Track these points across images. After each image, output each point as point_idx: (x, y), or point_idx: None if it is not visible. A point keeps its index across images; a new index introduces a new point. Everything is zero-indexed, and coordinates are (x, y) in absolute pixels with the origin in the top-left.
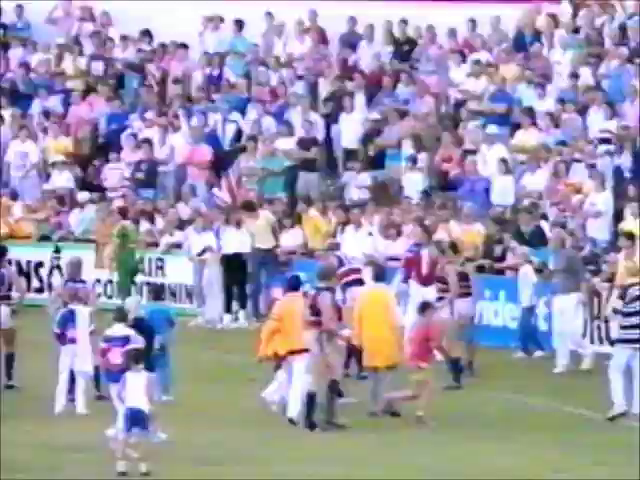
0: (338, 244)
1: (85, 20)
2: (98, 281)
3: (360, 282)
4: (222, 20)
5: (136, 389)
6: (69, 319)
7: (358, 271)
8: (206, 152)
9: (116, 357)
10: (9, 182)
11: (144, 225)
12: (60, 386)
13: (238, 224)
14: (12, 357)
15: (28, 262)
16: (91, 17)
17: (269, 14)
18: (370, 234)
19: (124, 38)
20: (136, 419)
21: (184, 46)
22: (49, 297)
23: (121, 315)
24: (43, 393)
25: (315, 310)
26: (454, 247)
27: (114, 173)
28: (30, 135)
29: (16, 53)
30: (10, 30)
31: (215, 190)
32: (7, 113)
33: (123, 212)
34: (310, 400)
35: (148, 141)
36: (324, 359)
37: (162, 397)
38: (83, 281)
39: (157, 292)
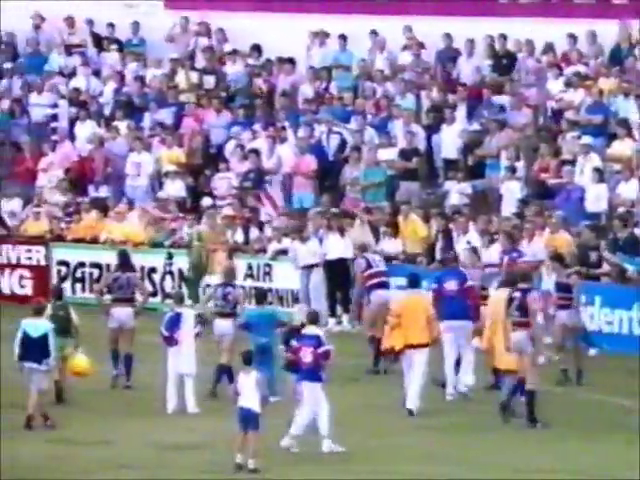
0: (367, 246)
1: (201, 35)
2: (208, 286)
3: (385, 285)
4: (327, 35)
5: (247, 389)
6: (176, 321)
7: (384, 274)
8: (311, 162)
9: (306, 356)
10: (125, 191)
11: (253, 232)
12: (170, 386)
13: (341, 231)
14: (131, 358)
15: (142, 268)
16: (207, 33)
17: (374, 32)
18: (468, 242)
19: (234, 53)
20: (248, 419)
21: (291, 61)
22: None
23: (314, 317)
24: (157, 393)
25: (524, 310)
26: (559, 258)
27: (223, 182)
28: (144, 146)
29: (131, 68)
30: (126, 46)
31: (262, 209)
32: (123, 125)
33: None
34: (531, 397)
35: (256, 151)
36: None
37: (270, 398)
38: (233, 285)
39: (260, 296)
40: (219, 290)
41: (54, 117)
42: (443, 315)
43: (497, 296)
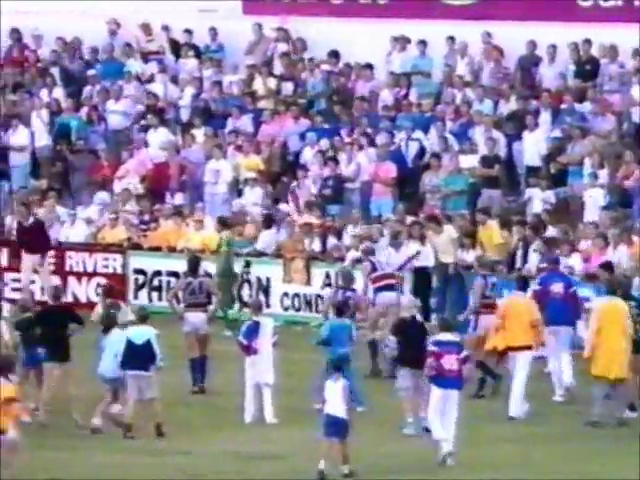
0: (372, 249)
1: (279, 41)
2: (286, 295)
3: (392, 287)
4: (408, 41)
5: (335, 397)
6: (254, 330)
7: (391, 277)
8: (391, 169)
9: (451, 363)
10: (203, 198)
11: (331, 240)
12: (248, 396)
13: (422, 238)
14: (205, 360)
15: None
16: (285, 38)
17: (451, 38)
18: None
19: (311, 60)
20: (334, 426)
21: (370, 67)
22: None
23: (447, 324)
24: (234, 403)
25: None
26: None
27: (301, 189)
28: (223, 154)
29: (208, 74)
30: (204, 52)
31: (281, 205)
32: (200, 132)
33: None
34: None
35: (335, 158)
36: None
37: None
38: (353, 290)
39: (340, 308)
40: (339, 294)
41: (131, 124)
42: (548, 319)
43: (607, 304)
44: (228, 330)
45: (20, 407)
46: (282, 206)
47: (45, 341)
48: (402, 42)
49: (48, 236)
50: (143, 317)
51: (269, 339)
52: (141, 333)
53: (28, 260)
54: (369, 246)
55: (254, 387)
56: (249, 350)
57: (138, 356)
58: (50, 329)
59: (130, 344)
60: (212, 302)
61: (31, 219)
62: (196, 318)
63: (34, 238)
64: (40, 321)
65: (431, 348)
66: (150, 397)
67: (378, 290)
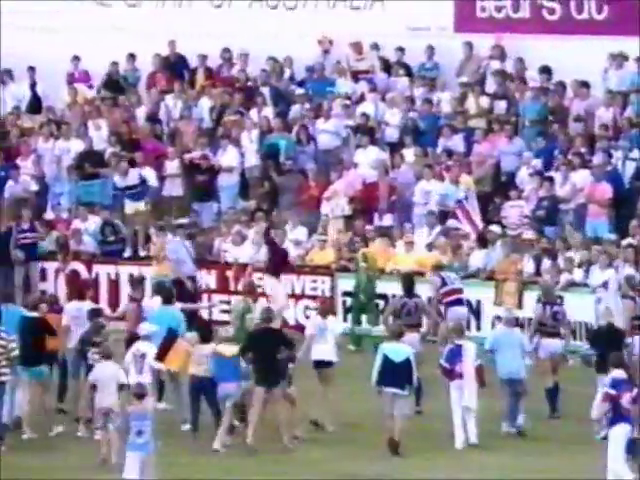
0: (442, 266)
1: (493, 59)
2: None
3: (460, 302)
4: (626, 58)
5: None
6: (457, 354)
7: (460, 291)
8: (607, 190)
9: (629, 401)
10: (412, 219)
11: (546, 262)
12: (456, 421)
13: (637, 263)
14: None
15: (429, 298)
16: (500, 57)
17: None
18: None
19: (522, 77)
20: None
21: (586, 84)
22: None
23: (620, 360)
24: (440, 426)
25: None
26: None
27: (514, 211)
28: (434, 174)
29: (420, 93)
30: (418, 70)
31: (450, 221)
32: (410, 152)
33: None
34: None
35: (550, 179)
36: None
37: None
38: (559, 304)
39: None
40: (547, 309)
41: (341, 144)
42: None
43: None
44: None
45: None
46: (493, 227)
47: (256, 364)
48: (619, 59)
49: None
50: (399, 333)
51: (472, 362)
52: (399, 351)
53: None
54: (439, 263)
55: (461, 411)
56: (452, 374)
57: (395, 373)
58: (261, 352)
59: (387, 360)
60: (423, 323)
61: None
62: (410, 338)
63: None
64: (251, 344)
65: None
66: (402, 414)
67: (449, 305)
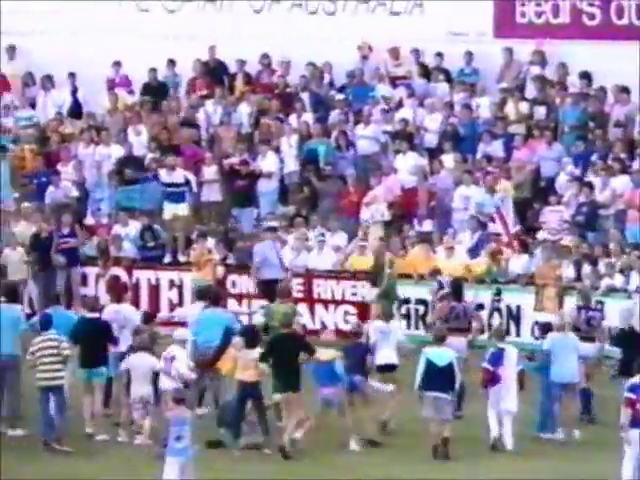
0: (439, 270)
1: (533, 64)
2: (537, 324)
3: None
4: None
5: None
6: (499, 358)
7: None
8: None
9: None
10: (451, 225)
11: (586, 268)
12: (491, 424)
13: None
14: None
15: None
16: (540, 62)
17: None
18: None
19: (561, 83)
20: None
21: (626, 90)
22: None
23: None
24: (479, 431)
25: None
26: None
27: (554, 216)
28: (473, 179)
29: (459, 98)
30: (457, 76)
31: (491, 226)
32: (449, 158)
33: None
34: None
35: (589, 184)
36: None
37: None
38: (594, 308)
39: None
40: (582, 313)
41: (380, 149)
42: None
43: None
44: None
45: None
46: (540, 235)
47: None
48: None
49: None
50: (442, 337)
51: (514, 367)
52: (443, 355)
53: None
54: (436, 267)
55: (496, 415)
56: (494, 377)
57: (438, 378)
58: (281, 357)
59: (430, 365)
60: (472, 328)
61: None
62: (457, 343)
63: None
64: (272, 349)
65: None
66: (444, 418)
67: None
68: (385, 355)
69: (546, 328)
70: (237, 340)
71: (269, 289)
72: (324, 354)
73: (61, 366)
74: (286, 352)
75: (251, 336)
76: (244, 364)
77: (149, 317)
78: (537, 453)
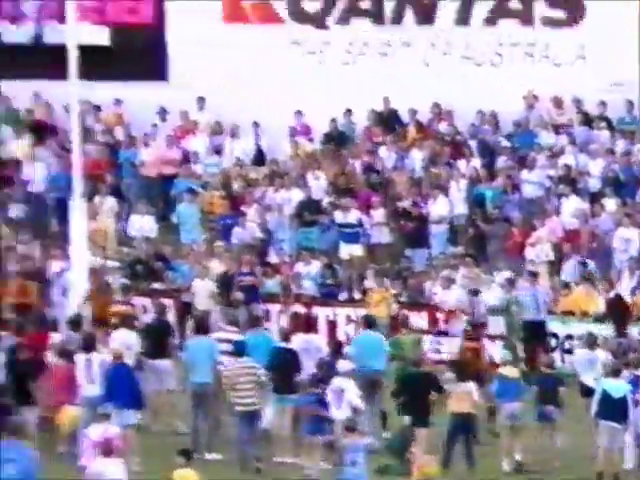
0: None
1: None
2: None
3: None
4: None
5: None
6: (635, 384)
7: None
8: None
9: None
10: (612, 265)
11: None
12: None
13: None
14: None
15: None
16: None
17: None
18: None
19: None
20: None
21: None
22: None
23: None
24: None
25: None
26: None
27: None
28: (633, 222)
29: (620, 145)
30: (617, 124)
31: None
32: (611, 202)
33: None
34: None
35: None
36: None
37: None
38: None
39: None
40: None
41: (545, 193)
42: None
43: None
44: None
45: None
46: None
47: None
48: None
49: None
50: (617, 371)
51: None
52: (619, 387)
53: None
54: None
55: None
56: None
57: (614, 408)
58: (413, 395)
59: (606, 395)
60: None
61: None
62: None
63: None
64: (405, 387)
65: None
66: (617, 447)
67: None
68: (591, 379)
69: None
70: (448, 375)
71: (530, 331)
72: (510, 371)
73: (257, 392)
74: (417, 390)
75: (459, 369)
76: (458, 396)
77: (338, 346)
78: None
